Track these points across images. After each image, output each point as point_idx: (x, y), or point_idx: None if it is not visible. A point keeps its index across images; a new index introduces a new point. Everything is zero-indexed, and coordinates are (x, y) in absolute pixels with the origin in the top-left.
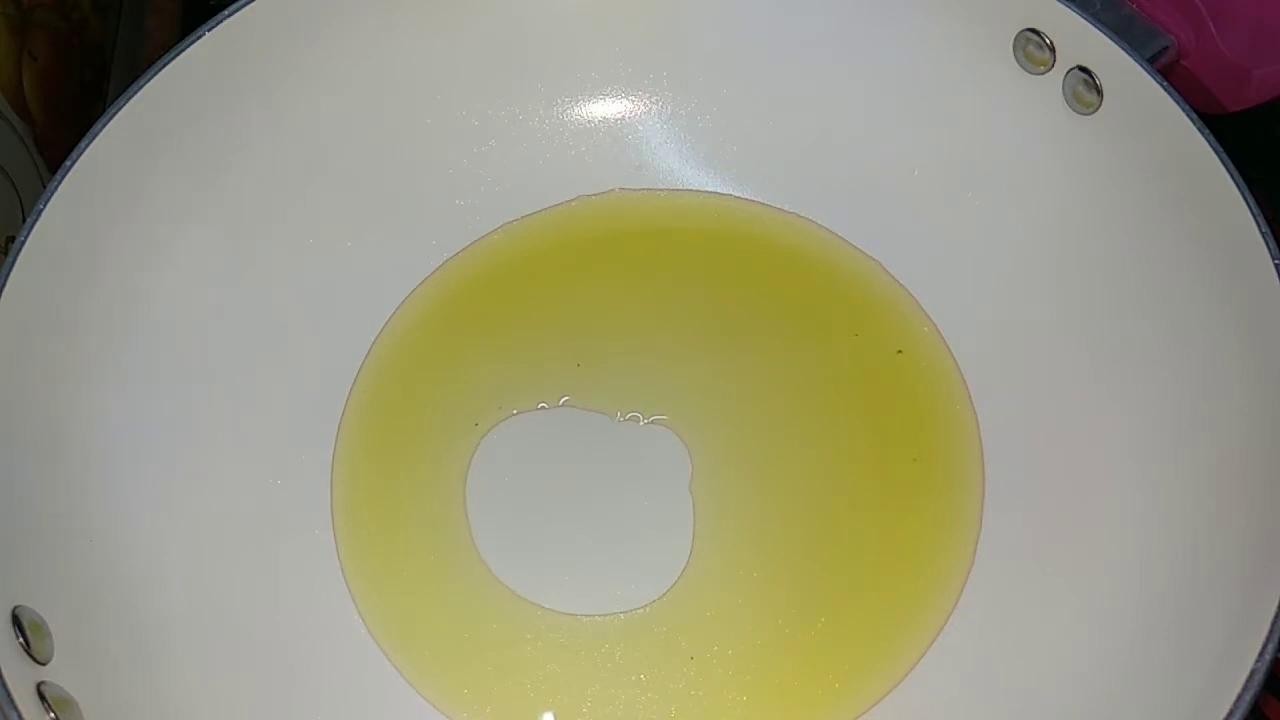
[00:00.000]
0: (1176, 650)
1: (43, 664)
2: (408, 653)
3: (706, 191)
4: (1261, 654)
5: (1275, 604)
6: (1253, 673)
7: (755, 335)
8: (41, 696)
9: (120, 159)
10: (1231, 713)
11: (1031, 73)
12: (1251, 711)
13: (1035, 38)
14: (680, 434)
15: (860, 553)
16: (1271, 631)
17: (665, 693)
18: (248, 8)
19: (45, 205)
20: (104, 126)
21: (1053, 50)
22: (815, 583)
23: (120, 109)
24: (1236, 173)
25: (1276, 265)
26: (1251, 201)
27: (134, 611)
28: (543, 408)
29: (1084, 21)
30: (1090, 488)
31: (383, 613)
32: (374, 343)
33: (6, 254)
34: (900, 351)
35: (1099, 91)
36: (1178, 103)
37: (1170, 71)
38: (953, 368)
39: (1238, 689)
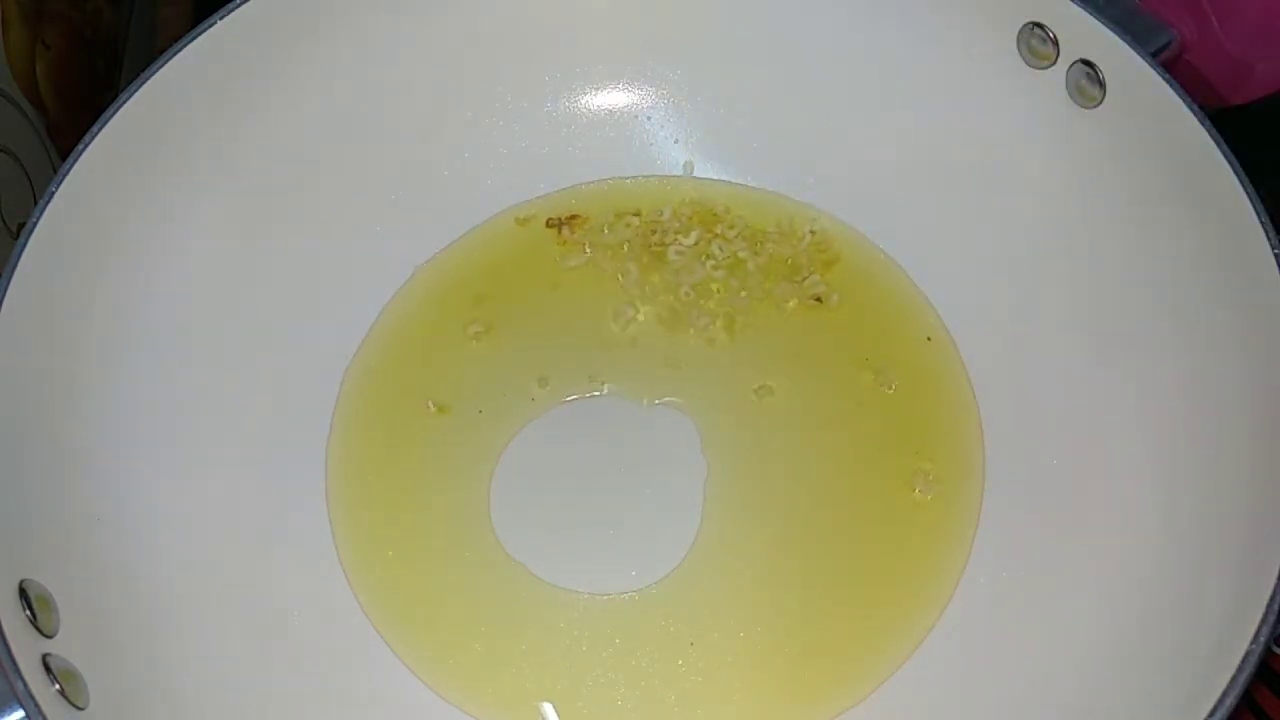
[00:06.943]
0: (1172, 639)
1: (49, 637)
2: (403, 632)
3: (711, 180)
4: (1256, 636)
5: (1270, 588)
6: (1247, 654)
7: (765, 327)
8: (47, 668)
9: (131, 146)
10: (1225, 694)
11: (1035, 67)
12: (1244, 699)
13: (1039, 32)
14: (693, 419)
15: (860, 543)
16: (1266, 614)
17: (664, 678)
18: None
19: (57, 189)
20: (115, 113)
21: (1056, 44)
22: (816, 572)
23: (132, 96)
24: (1238, 166)
25: (1277, 256)
26: (1253, 194)
27: (137, 588)
28: (554, 392)
29: (1087, 15)
30: (1089, 479)
31: (378, 590)
32: (375, 323)
33: (18, 239)
34: (929, 339)
35: (1102, 85)
36: (1180, 96)
37: (1173, 65)
38: (956, 359)
39: (1232, 672)
